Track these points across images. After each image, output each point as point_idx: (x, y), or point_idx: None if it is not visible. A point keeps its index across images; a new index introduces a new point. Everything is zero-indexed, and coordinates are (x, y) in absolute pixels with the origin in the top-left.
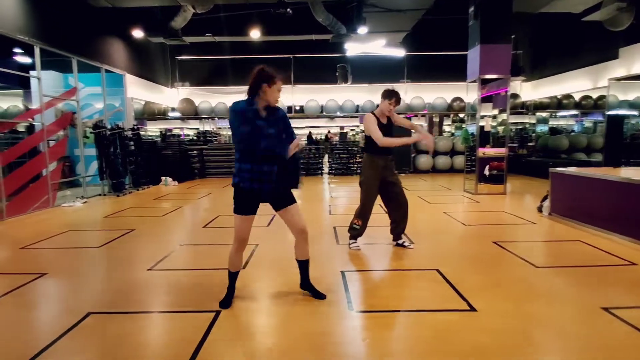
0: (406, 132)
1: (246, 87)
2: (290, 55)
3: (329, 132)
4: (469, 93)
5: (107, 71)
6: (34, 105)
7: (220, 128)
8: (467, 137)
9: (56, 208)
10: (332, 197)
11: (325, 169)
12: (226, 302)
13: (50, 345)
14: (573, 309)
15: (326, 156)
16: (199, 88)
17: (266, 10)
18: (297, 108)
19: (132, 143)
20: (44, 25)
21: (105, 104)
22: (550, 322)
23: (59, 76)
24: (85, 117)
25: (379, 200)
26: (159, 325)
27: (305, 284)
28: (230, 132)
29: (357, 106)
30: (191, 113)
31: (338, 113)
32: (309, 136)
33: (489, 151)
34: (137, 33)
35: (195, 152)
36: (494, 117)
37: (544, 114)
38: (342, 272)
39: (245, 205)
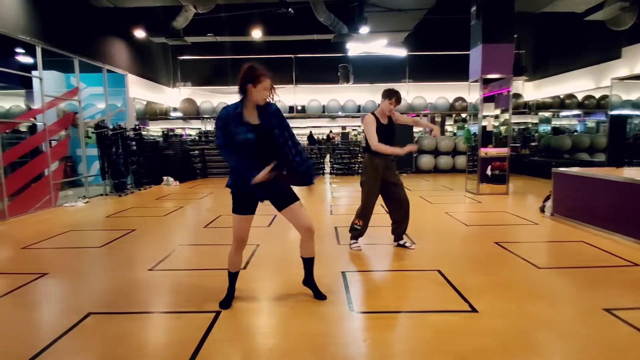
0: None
1: None
2: (292, 55)
3: (330, 132)
4: (471, 93)
5: (109, 71)
6: (36, 105)
7: None
8: (469, 137)
9: (58, 208)
10: (333, 197)
11: (327, 169)
12: (226, 302)
13: (51, 345)
14: (575, 309)
15: (328, 156)
16: (200, 88)
17: (268, 10)
18: (299, 108)
19: (134, 143)
20: (45, 25)
21: (107, 104)
22: (551, 323)
23: (60, 76)
24: (87, 117)
25: (380, 200)
26: (159, 326)
27: (308, 281)
28: None
29: (359, 106)
30: (193, 113)
31: (340, 113)
32: (310, 136)
33: (491, 151)
34: (139, 33)
35: (197, 152)
36: (496, 117)
37: (547, 114)
38: (343, 273)
39: (242, 205)
